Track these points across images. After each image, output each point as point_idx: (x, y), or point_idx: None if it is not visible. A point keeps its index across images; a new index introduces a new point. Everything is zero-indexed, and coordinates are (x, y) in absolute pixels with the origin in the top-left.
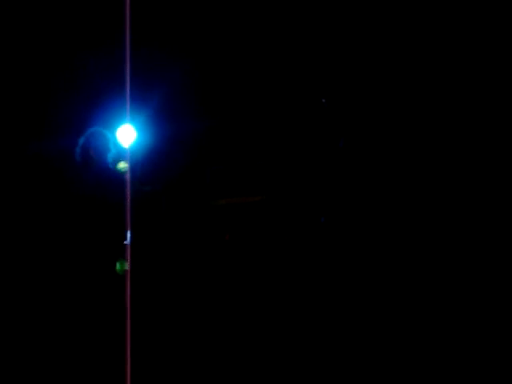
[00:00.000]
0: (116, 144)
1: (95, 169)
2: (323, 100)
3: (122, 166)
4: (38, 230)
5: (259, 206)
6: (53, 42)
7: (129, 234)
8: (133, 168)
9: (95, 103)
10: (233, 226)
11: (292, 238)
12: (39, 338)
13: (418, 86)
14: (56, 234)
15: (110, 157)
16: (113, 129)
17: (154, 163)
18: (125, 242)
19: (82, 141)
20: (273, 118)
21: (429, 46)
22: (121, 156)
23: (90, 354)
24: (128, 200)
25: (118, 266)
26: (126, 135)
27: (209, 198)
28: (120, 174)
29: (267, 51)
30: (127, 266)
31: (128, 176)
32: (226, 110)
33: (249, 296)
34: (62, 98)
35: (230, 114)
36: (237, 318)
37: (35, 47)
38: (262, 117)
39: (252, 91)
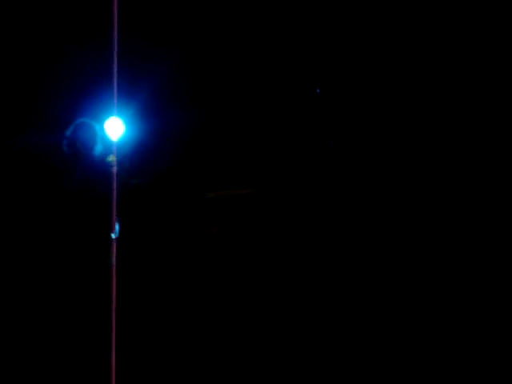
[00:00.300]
0: (103, 136)
1: (82, 161)
2: (318, 90)
3: (111, 158)
4: (23, 223)
5: (248, 199)
6: (39, 34)
7: (116, 227)
8: (121, 161)
9: (83, 96)
10: (221, 219)
11: (280, 232)
12: (25, 333)
13: (411, 85)
14: (42, 227)
15: (96, 149)
16: (100, 121)
17: (142, 156)
18: (112, 235)
19: (68, 132)
20: (262, 110)
21: (421, 45)
22: (108, 148)
23: (77, 348)
24: (115, 193)
25: (108, 260)
26: (114, 128)
27: (197, 191)
28: (108, 167)
29: (258, 42)
30: (114, 260)
31: (115, 169)
32: (215, 103)
33: (238, 290)
34: (48, 90)
35: (219, 106)
36: (226, 311)
37: (21, 40)
38: (251, 109)
39: (242, 83)
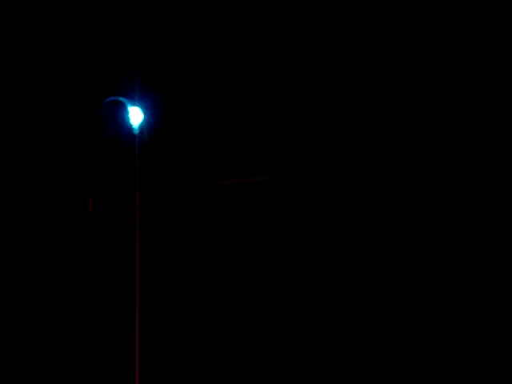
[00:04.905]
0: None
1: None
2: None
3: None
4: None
5: (266, 185)
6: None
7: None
8: (142, 147)
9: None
10: (239, 205)
11: (297, 218)
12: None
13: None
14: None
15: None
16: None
17: (162, 144)
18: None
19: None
20: (280, 98)
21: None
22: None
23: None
24: (137, 181)
25: None
26: (136, 116)
27: (216, 178)
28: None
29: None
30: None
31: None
32: (234, 94)
33: (256, 285)
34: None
35: (238, 96)
36: (245, 302)
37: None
38: (269, 98)
39: (256, 76)
